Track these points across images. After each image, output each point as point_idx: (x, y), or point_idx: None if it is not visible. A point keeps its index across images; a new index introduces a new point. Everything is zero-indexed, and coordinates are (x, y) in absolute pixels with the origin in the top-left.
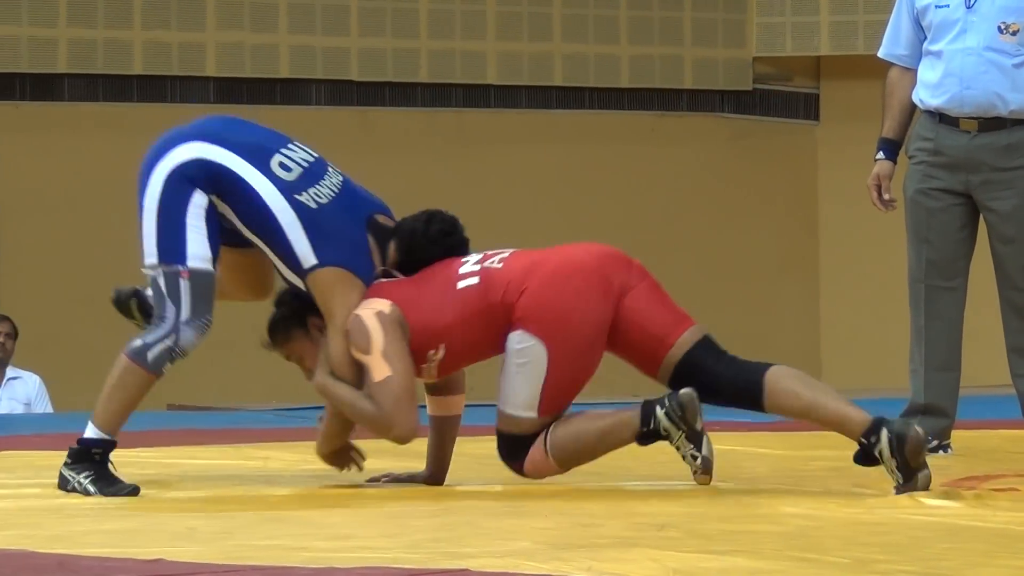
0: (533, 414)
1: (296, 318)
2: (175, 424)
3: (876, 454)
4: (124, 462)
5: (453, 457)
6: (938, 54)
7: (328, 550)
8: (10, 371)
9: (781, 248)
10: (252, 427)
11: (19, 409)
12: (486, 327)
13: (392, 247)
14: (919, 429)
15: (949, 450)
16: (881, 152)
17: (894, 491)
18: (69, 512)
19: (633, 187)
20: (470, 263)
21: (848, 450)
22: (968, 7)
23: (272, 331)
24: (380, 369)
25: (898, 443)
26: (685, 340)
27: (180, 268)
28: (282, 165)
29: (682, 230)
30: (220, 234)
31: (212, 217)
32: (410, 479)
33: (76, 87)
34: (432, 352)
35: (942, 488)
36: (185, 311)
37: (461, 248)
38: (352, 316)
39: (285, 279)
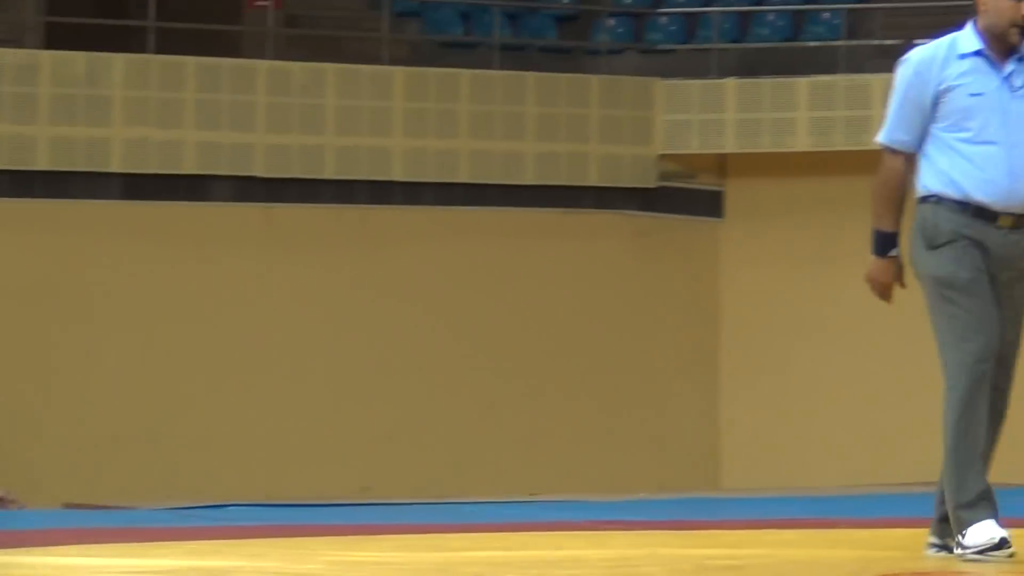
0: None
1: None
2: (71, 523)
3: None
4: (17, 562)
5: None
6: (973, 144)
7: None
8: None
9: (682, 346)
10: (148, 526)
11: None
12: None
13: None
14: None
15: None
16: (895, 248)
17: None
18: None
19: (538, 285)
20: None
21: (743, 548)
22: (1005, 93)
23: None
24: None
25: None
26: None
27: None
28: None
29: (585, 327)
30: None
31: None
32: None
33: None
34: None
35: None
36: None
37: None
38: None
39: None
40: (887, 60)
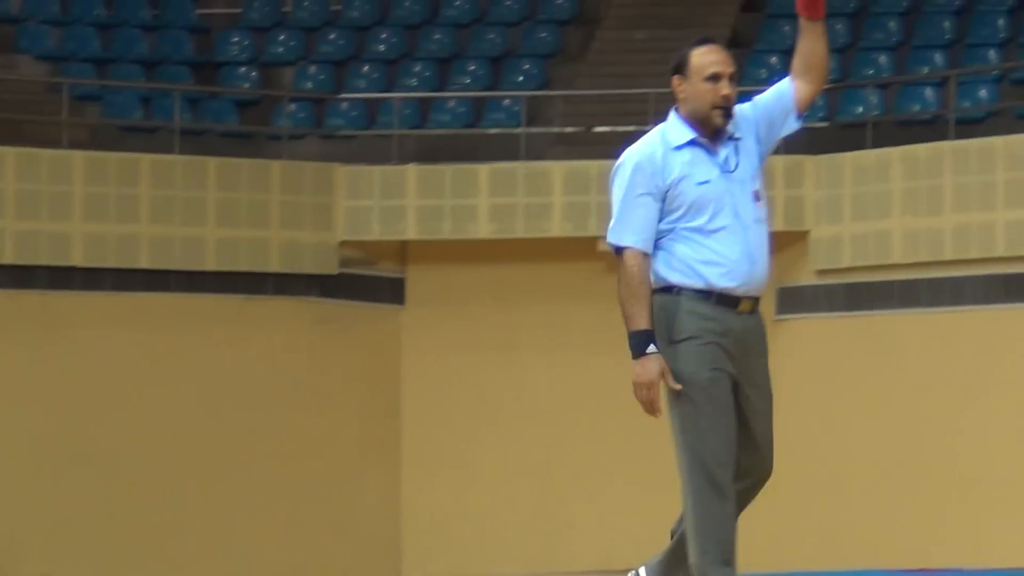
0: None
1: None
2: None
3: None
4: None
5: None
6: (708, 232)
7: None
8: None
9: (365, 433)
10: None
11: None
12: None
13: None
14: None
15: None
16: (652, 345)
17: None
18: None
19: (219, 371)
20: None
21: None
22: (726, 178)
23: None
24: None
25: None
26: None
27: None
28: None
29: (267, 414)
30: None
31: None
32: None
33: None
34: None
35: None
36: None
37: None
38: None
39: None
40: (566, 147)
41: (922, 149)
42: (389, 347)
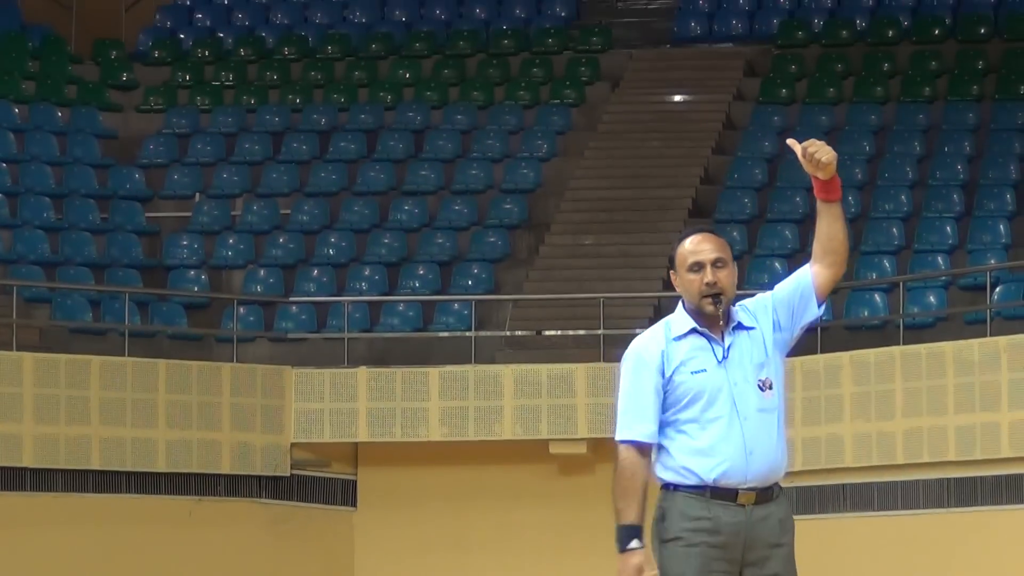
0: None
1: None
2: None
3: None
4: None
5: None
6: (703, 423)
7: None
8: None
9: None
10: None
11: None
12: None
13: None
14: None
15: None
16: (635, 540)
17: None
18: None
19: (171, 572)
20: None
21: None
22: (724, 367)
23: None
24: None
25: None
26: None
27: None
28: None
29: None
30: None
31: None
32: None
33: None
34: None
35: None
36: None
37: None
38: None
39: None
40: (516, 351)
41: (872, 354)
42: (342, 549)
